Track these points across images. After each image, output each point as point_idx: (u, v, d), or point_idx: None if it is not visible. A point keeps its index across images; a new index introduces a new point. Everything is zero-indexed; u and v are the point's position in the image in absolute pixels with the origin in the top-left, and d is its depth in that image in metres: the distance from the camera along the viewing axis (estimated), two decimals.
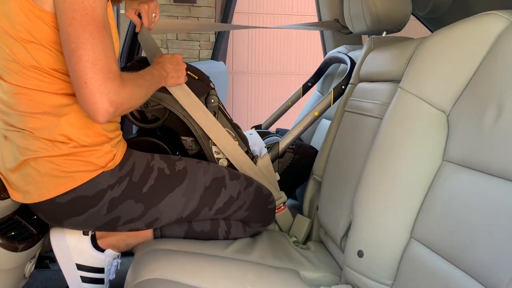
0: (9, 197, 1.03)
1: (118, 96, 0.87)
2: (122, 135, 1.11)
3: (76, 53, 0.83)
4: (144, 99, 0.99)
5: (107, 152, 1.02)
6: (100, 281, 1.19)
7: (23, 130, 0.96)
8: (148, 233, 1.21)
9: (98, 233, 1.19)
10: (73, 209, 1.02)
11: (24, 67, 0.92)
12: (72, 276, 1.16)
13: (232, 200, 1.21)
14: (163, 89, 1.25)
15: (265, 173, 1.42)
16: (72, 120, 0.97)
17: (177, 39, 4.00)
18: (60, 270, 1.15)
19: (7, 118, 0.98)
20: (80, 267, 1.16)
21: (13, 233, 1.05)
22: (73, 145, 0.98)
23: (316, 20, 2.21)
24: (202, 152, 1.44)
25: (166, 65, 1.14)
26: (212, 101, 1.37)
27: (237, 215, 1.24)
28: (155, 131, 1.56)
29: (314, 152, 1.61)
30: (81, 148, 0.98)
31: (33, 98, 0.94)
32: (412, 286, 0.85)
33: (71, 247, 1.15)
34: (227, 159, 1.35)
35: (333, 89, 1.55)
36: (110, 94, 0.85)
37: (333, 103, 1.56)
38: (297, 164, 1.58)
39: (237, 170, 1.34)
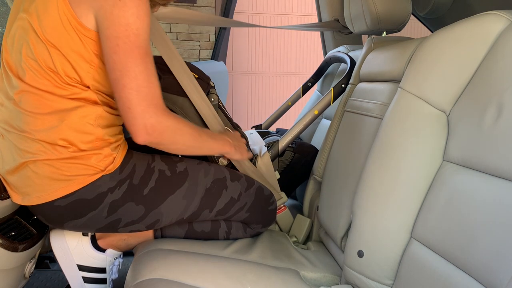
0: (9, 197, 1.03)
1: (160, 124, 0.90)
2: (124, 134, 1.11)
3: (120, 81, 0.87)
4: (189, 148, 1.03)
5: (107, 156, 1.02)
6: (102, 281, 1.19)
7: (23, 132, 0.96)
8: (149, 233, 1.21)
9: (98, 234, 1.19)
10: (73, 212, 1.02)
11: (41, 67, 0.93)
12: (73, 277, 1.16)
13: (233, 201, 1.21)
14: (179, 92, 1.26)
15: (265, 171, 1.42)
16: (74, 124, 0.97)
17: (177, 39, 3.99)
18: (60, 270, 1.15)
19: (7, 115, 0.98)
20: (81, 267, 1.16)
21: (13, 233, 1.05)
22: (73, 149, 0.97)
23: (316, 20, 2.21)
24: None
25: (230, 143, 1.19)
26: (212, 99, 1.37)
27: (238, 216, 1.24)
28: None
29: (314, 151, 1.61)
30: (81, 152, 0.98)
31: (40, 98, 0.94)
32: (412, 286, 0.85)
33: (71, 249, 1.15)
34: (227, 158, 1.35)
35: (333, 87, 1.55)
36: (152, 119, 0.89)
37: (333, 101, 1.57)
38: (297, 163, 1.58)
39: (237, 171, 1.34)
